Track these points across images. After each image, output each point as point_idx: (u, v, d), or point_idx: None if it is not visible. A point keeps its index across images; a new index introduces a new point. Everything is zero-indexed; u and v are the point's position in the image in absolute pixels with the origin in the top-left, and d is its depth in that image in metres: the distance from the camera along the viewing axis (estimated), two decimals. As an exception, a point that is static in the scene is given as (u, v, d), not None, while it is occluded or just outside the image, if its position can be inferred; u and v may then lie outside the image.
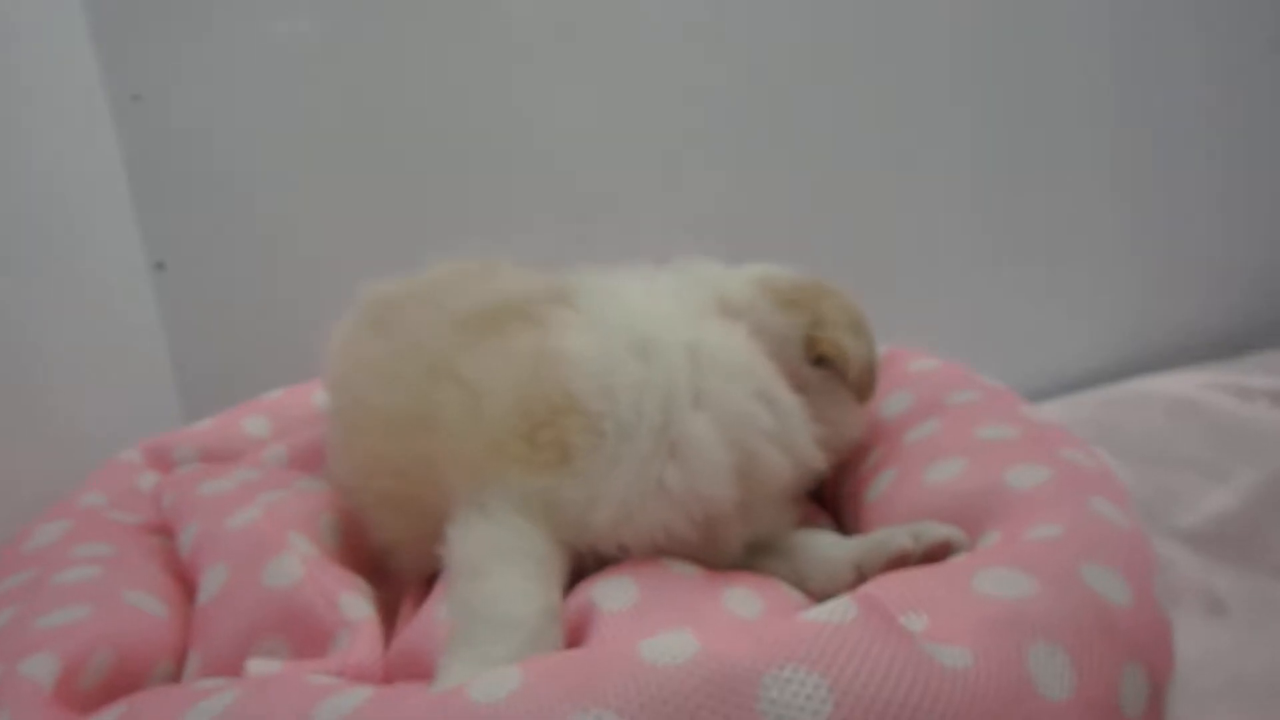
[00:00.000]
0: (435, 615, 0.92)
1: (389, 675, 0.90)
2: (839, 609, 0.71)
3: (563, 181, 1.93)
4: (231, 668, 0.91)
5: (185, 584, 1.07)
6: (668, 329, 1.05)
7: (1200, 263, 2.32)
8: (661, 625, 0.82)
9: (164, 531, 1.18)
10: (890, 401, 1.31)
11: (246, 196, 1.81)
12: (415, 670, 0.88)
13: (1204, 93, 2.26)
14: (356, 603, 0.96)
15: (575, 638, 0.88)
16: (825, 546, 1.03)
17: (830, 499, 1.29)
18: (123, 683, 0.89)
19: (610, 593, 0.91)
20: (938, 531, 0.94)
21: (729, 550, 1.02)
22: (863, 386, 1.12)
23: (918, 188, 2.13)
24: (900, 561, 0.93)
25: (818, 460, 1.08)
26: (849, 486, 1.26)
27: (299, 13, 1.78)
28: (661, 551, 0.97)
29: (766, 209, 2.04)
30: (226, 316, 1.83)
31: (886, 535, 0.97)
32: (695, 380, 1.00)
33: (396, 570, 1.13)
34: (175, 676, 0.94)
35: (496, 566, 0.93)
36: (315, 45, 1.79)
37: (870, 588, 0.80)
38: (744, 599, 0.66)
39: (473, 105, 1.86)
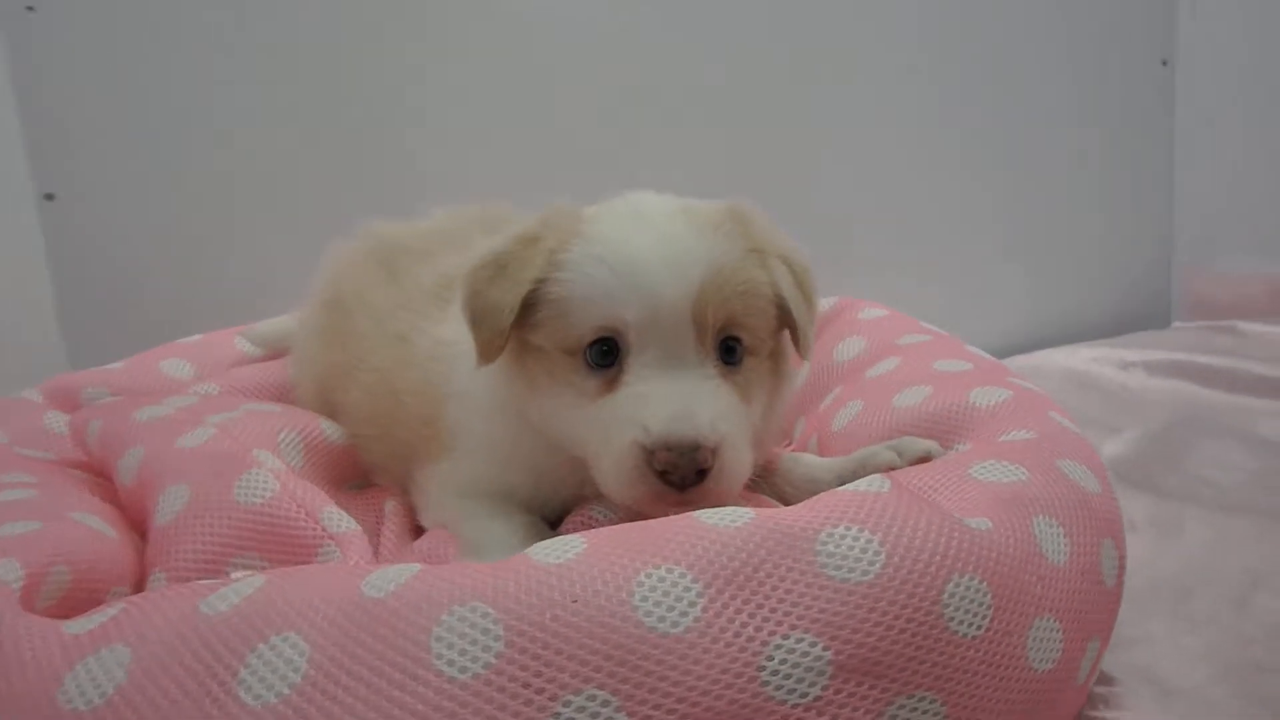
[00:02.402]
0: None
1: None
2: (875, 482, 0.72)
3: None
4: (200, 586, 0.84)
5: (126, 512, 0.98)
6: None
7: (1084, 260, 2.53)
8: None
9: (86, 468, 1.09)
10: (844, 346, 1.37)
11: (144, 128, 1.68)
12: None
13: (1087, 121, 2.50)
14: (339, 516, 0.91)
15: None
16: (807, 466, 1.03)
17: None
18: (76, 605, 0.81)
19: (606, 507, 0.92)
20: (919, 444, 0.96)
21: None
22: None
23: (869, 184, 2.24)
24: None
25: None
26: (809, 424, 1.29)
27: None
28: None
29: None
30: (117, 251, 1.69)
31: (869, 452, 0.98)
32: None
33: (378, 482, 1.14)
34: (134, 599, 0.86)
35: (469, 523, 0.95)
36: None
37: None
38: (731, 511, 0.66)
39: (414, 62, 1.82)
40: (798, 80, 2.13)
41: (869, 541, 0.64)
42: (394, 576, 0.63)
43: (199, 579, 0.85)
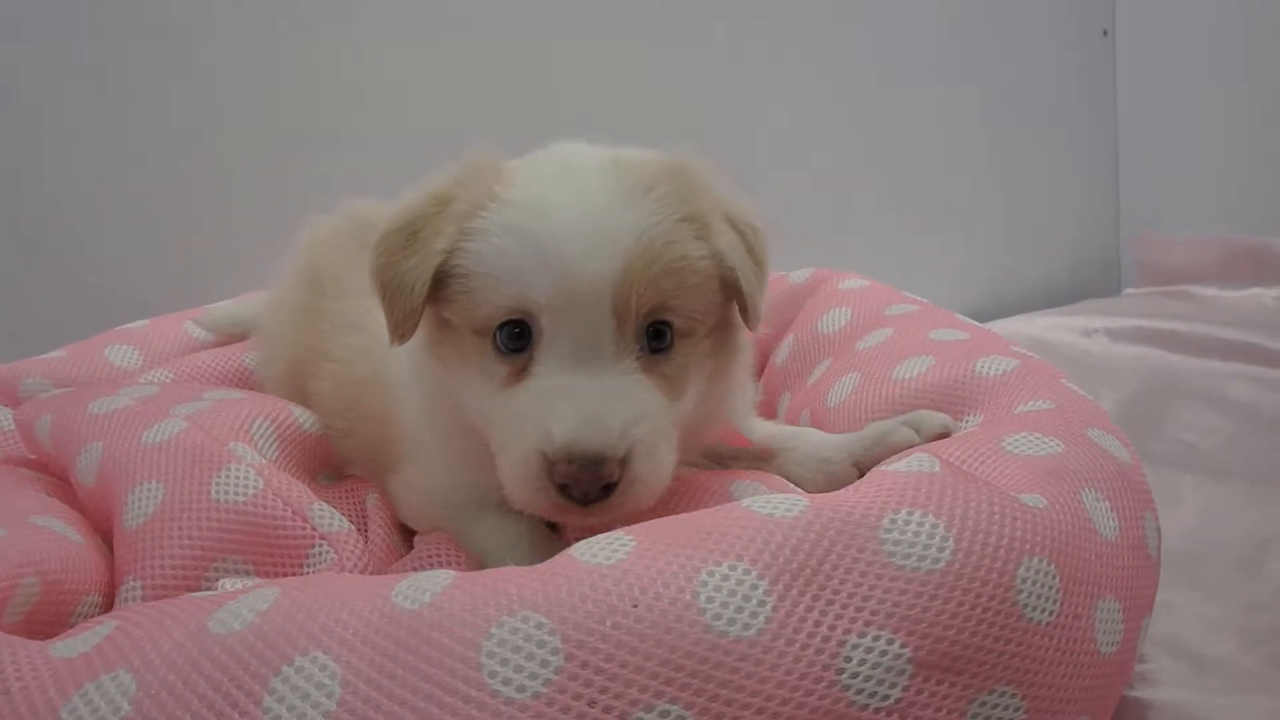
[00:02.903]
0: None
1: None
2: (923, 462, 0.68)
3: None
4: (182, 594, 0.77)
5: (87, 515, 0.90)
6: None
7: (1030, 230, 2.57)
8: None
9: (38, 467, 1.00)
10: (829, 318, 1.32)
11: (83, 108, 1.57)
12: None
13: (1030, 92, 2.53)
14: (329, 513, 0.84)
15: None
16: (814, 445, 0.98)
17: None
18: (45, 619, 0.73)
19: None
20: (935, 419, 0.92)
21: None
22: None
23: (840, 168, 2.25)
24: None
25: None
26: (797, 399, 1.25)
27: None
28: None
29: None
30: (50, 232, 1.57)
31: (882, 430, 0.93)
32: None
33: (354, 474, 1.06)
34: (104, 609, 0.79)
35: (468, 531, 0.88)
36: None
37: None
38: (783, 499, 0.61)
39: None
40: (741, 47, 2.11)
41: (934, 526, 0.60)
42: (427, 585, 0.57)
43: (178, 586, 0.78)
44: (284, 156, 1.70)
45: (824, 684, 0.53)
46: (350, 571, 0.79)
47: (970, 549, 0.59)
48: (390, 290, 0.78)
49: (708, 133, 2.02)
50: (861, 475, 0.90)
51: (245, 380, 1.27)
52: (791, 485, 0.91)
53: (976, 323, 1.23)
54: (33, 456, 1.02)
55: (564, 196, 0.75)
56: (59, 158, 1.56)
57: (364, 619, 0.55)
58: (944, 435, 0.91)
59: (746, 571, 0.56)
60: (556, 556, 0.59)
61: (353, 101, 1.75)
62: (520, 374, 0.75)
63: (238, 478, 0.83)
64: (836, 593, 0.56)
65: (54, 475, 0.98)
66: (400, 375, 0.91)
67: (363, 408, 1.00)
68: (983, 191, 2.50)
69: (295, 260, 1.21)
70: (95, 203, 1.58)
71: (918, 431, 0.91)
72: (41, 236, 1.55)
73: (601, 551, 0.58)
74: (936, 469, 0.66)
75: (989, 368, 1.00)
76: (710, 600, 0.54)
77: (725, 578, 0.55)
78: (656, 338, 0.76)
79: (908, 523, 0.60)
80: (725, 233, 0.79)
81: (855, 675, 0.54)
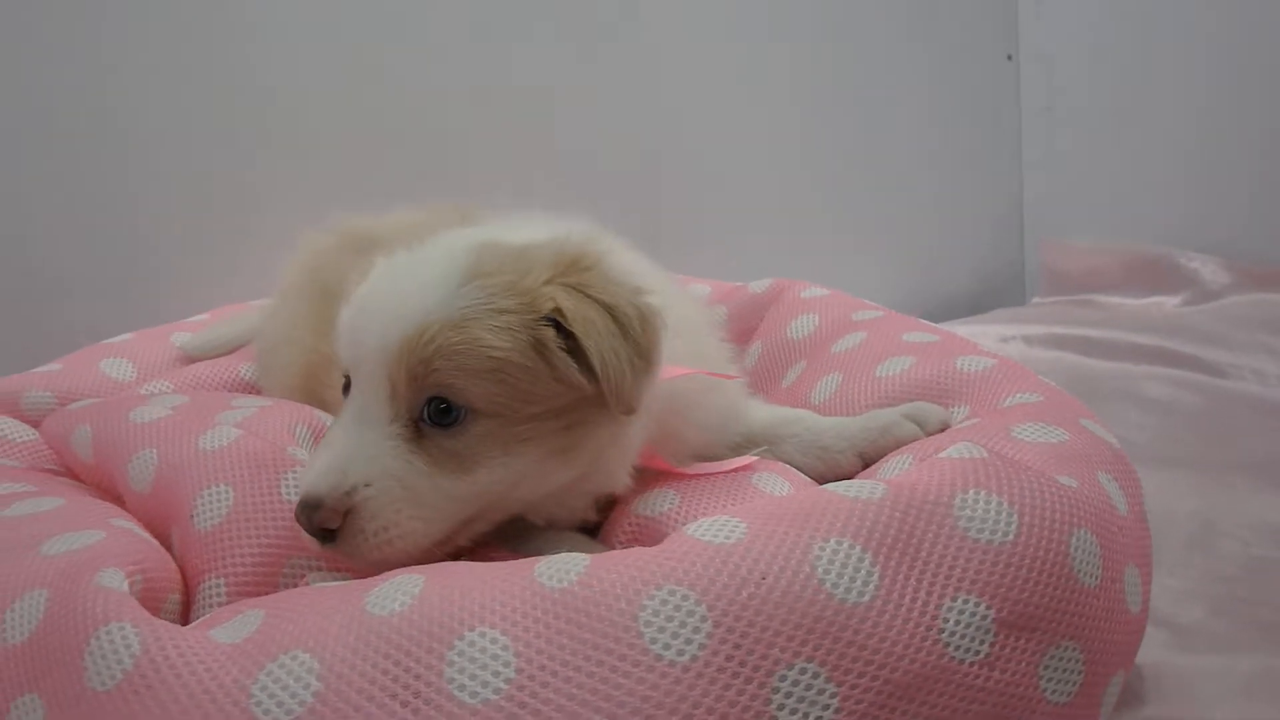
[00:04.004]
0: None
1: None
2: (969, 449, 0.76)
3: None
4: (263, 590, 0.80)
5: (138, 518, 0.92)
6: None
7: (937, 245, 2.72)
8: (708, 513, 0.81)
9: (72, 476, 1.01)
10: (798, 324, 1.41)
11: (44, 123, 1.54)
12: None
13: (936, 114, 2.69)
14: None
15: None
16: (816, 432, 1.04)
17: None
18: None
19: (651, 502, 0.91)
20: (936, 414, 1.01)
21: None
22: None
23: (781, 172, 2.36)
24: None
25: None
26: (774, 400, 1.32)
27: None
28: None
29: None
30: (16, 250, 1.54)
31: (886, 421, 1.01)
32: None
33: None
34: (185, 609, 0.81)
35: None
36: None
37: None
38: (860, 484, 0.69)
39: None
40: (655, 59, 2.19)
41: (1000, 504, 0.68)
42: (569, 565, 0.62)
43: (260, 582, 0.81)
44: (247, 170, 1.70)
45: (930, 641, 0.61)
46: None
47: (1032, 523, 0.68)
48: None
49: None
50: (865, 465, 1.00)
51: (246, 390, 1.28)
52: (794, 471, 0.98)
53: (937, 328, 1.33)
54: (60, 466, 1.02)
55: (391, 275, 0.86)
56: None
57: (518, 597, 0.60)
58: (944, 429, 1.01)
59: (852, 546, 0.63)
60: (673, 536, 0.65)
61: (323, 112, 1.76)
62: None
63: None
64: (927, 563, 0.64)
65: (92, 484, 0.99)
66: None
67: None
68: (888, 211, 2.62)
69: (297, 272, 1.24)
70: (51, 219, 1.56)
71: (921, 425, 1.00)
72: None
73: (719, 532, 0.64)
74: (985, 454, 0.75)
75: (969, 365, 1.09)
76: (827, 571, 0.61)
77: (835, 551, 0.63)
78: (442, 414, 0.80)
79: (976, 501, 0.68)
80: (582, 322, 0.80)
81: (953, 634, 0.62)
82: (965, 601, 0.63)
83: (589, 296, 0.82)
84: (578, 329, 0.80)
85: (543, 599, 0.60)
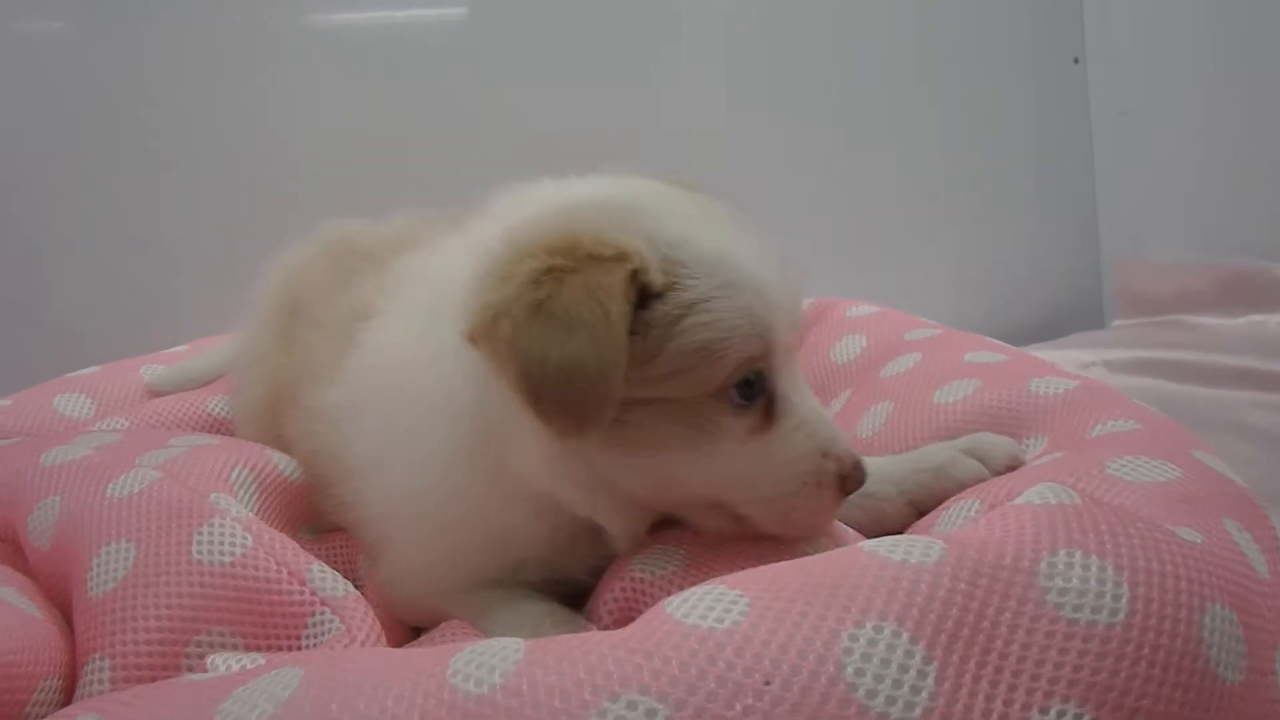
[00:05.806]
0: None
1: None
2: (1054, 493, 0.57)
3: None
4: (158, 675, 0.64)
5: (41, 582, 0.77)
6: None
7: (1009, 264, 2.54)
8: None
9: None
10: (842, 347, 1.24)
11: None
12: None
13: (1003, 123, 2.53)
14: (330, 576, 0.71)
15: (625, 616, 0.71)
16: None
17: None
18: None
19: (649, 561, 0.74)
20: (1004, 447, 0.82)
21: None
22: None
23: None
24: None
25: None
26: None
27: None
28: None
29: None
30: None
31: (941, 459, 0.82)
32: None
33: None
34: (64, 695, 0.66)
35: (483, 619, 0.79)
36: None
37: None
38: (912, 542, 0.51)
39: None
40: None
41: (1102, 570, 0.49)
42: (494, 662, 0.45)
43: (154, 665, 0.65)
44: (241, 194, 1.65)
45: (1010, 776, 0.42)
46: (362, 645, 0.66)
47: (1149, 596, 0.49)
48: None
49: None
50: (920, 515, 0.81)
51: (212, 427, 1.14)
52: (838, 525, 0.80)
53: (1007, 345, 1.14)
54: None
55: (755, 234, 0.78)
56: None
57: (416, 707, 0.43)
58: (1014, 466, 0.82)
59: (896, 634, 0.45)
60: (648, 614, 0.48)
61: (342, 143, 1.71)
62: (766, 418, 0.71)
63: (222, 534, 0.70)
64: (1004, 657, 0.45)
65: (2, 538, 0.84)
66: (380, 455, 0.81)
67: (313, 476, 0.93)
68: (958, 226, 2.46)
69: (268, 291, 1.10)
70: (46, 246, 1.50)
71: (985, 461, 0.81)
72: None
73: (710, 611, 0.46)
74: (1077, 500, 0.56)
75: (1046, 387, 0.91)
76: (860, 674, 0.43)
77: (873, 643, 0.44)
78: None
79: (1070, 566, 0.49)
80: None
81: (1044, 762, 0.43)
82: (1061, 714, 0.44)
83: None
84: None
85: (449, 711, 0.42)
